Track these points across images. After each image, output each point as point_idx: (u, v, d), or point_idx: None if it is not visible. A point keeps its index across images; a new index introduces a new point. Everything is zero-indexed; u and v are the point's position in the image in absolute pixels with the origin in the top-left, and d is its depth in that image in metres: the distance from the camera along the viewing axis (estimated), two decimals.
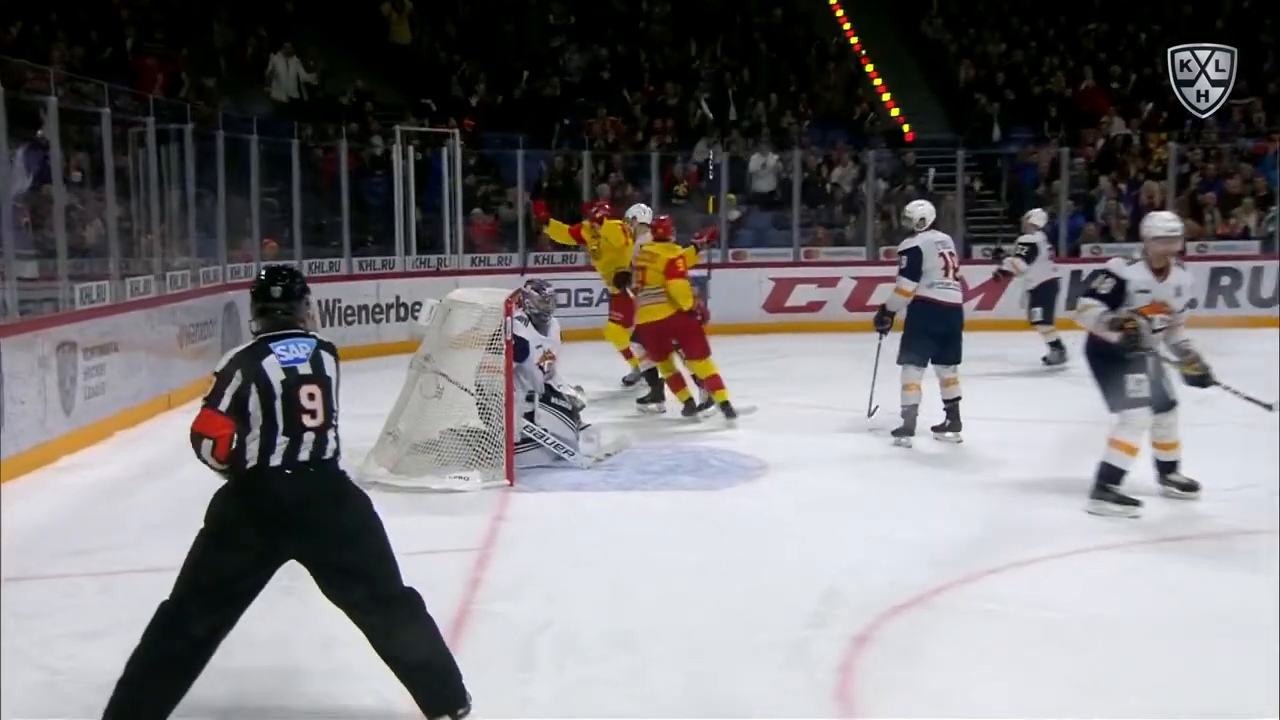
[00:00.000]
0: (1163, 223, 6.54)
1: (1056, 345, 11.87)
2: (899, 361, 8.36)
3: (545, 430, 7.68)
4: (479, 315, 7.41)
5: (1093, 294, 6.45)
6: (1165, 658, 4.50)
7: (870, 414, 8.77)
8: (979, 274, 13.26)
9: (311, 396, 3.72)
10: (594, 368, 10.76)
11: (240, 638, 3.85)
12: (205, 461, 3.69)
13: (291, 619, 4.56)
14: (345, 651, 4.17)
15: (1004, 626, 4.83)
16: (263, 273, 3.99)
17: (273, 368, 3.70)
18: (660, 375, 9.45)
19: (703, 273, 11.42)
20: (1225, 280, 15.77)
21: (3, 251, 8.09)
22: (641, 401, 9.82)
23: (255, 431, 3.67)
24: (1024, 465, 7.63)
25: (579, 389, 8.23)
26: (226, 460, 3.67)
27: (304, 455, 3.70)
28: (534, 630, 4.74)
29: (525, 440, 7.55)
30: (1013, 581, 5.40)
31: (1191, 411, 6.83)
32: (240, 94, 15.40)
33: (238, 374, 3.68)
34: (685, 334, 9.12)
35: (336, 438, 3.81)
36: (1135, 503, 6.39)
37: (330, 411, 3.77)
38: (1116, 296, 6.36)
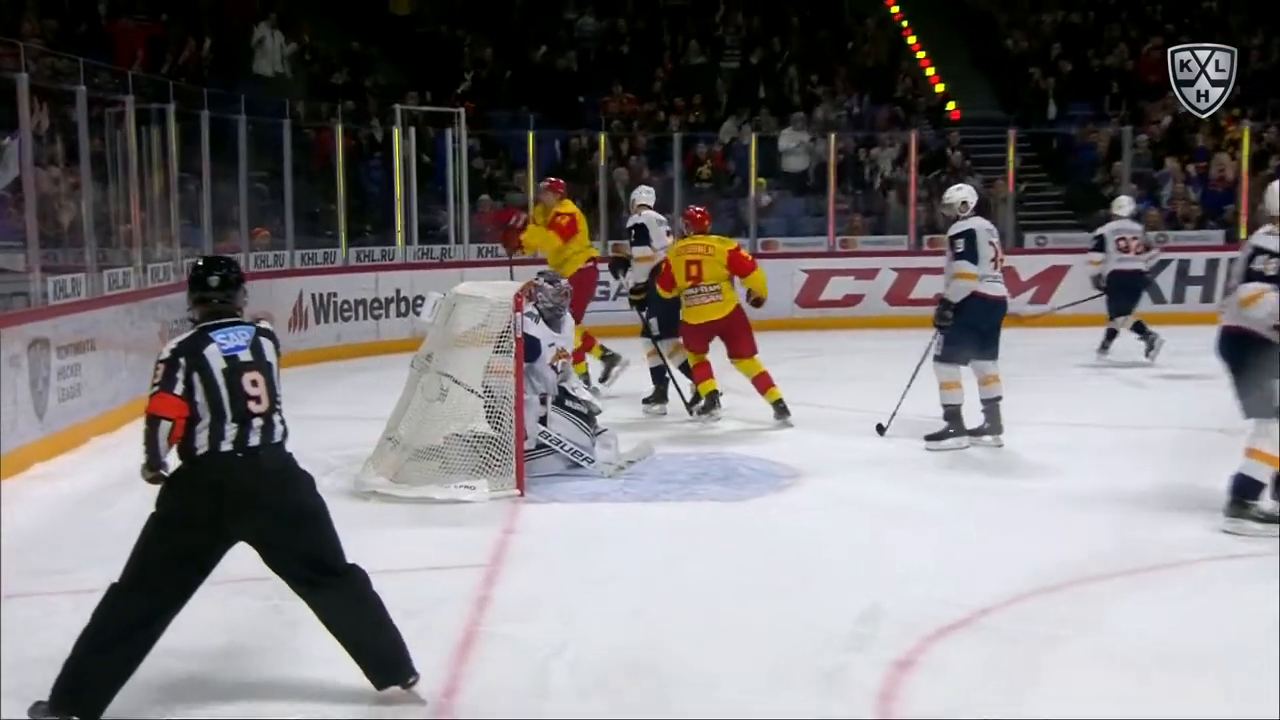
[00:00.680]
0: None
1: (1142, 331, 12.04)
2: (939, 359, 8.34)
3: (559, 436, 7.68)
4: (486, 311, 7.40)
5: (1259, 277, 5.91)
6: (1240, 700, 4.34)
7: (883, 429, 8.71)
8: (1032, 264, 13.20)
9: (254, 383, 4.11)
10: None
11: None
12: (155, 448, 4.07)
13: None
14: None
15: (1063, 652, 4.79)
16: (199, 262, 4.42)
17: (214, 356, 4.08)
18: (690, 363, 9.58)
19: None
20: None
21: None
22: (646, 402, 9.95)
23: (205, 419, 4.05)
24: (1076, 473, 7.61)
25: (595, 390, 8.23)
26: (179, 444, 4.05)
27: (254, 440, 4.09)
28: (547, 654, 4.73)
29: (537, 446, 7.55)
30: (1072, 602, 5.36)
31: None
32: (227, 73, 15.44)
33: (182, 361, 4.06)
34: (734, 331, 9.29)
35: (283, 421, 4.21)
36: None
37: (274, 396, 4.17)
38: None
